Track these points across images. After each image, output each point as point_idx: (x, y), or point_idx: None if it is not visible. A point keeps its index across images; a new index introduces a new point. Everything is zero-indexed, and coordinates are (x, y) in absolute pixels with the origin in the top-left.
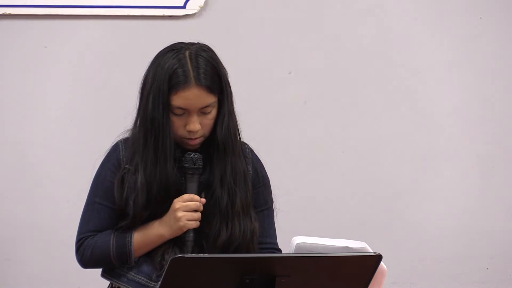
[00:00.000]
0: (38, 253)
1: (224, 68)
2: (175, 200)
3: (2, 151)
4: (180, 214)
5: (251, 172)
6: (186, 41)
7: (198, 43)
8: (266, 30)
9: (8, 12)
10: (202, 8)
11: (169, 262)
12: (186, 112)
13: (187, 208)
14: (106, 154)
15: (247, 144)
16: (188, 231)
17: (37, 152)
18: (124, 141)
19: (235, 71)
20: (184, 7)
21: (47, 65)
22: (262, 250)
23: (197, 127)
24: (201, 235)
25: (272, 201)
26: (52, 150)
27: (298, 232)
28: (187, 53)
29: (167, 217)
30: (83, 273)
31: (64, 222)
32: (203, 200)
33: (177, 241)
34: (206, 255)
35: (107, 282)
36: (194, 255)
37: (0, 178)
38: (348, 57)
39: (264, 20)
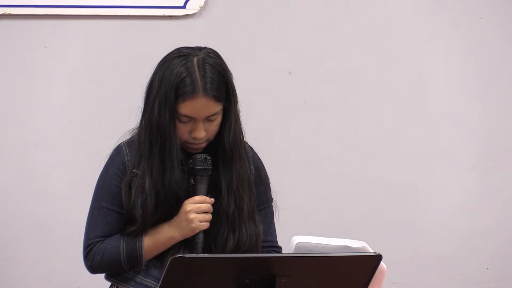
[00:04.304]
0: (38, 253)
1: (230, 74)
2: (186, 202)
3: (2, 151)
4: (192, 216)
5: (253, 172)
6: (193, 46)
7: (205, 48)
8: (266, 30)
9: (8, 12)
10: (202, 8)
11: (169, 262)
12: (192, 119)
13: (199, 210)
14: (108, 157)
15: (247, 143)
16: (198, 232)
17: (37, 152)
18: (128, 144)
19: (235, 71)
20: (184, 7)
21: (47, 65)
22: (262, 249)
23: (202, 134)
24: (209, 238)
25: (271, 199)
26: (52, 150)
27: (298, 231)
28: (195, 60)
29: (177, 219)
30: (83, 273)
31: (64, 222)
32: (212, 200)
33: (187, 243)
34: (206, 255)
35: (108, 283)
36: (194, 255)
37: (0, 178)
38: (348, 57)
39: (264, 20)
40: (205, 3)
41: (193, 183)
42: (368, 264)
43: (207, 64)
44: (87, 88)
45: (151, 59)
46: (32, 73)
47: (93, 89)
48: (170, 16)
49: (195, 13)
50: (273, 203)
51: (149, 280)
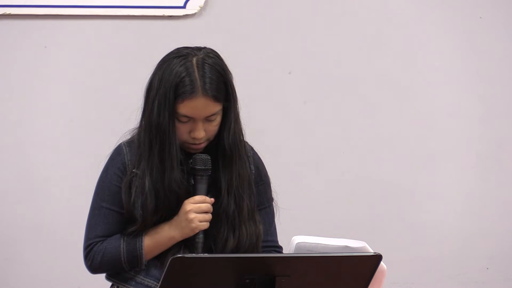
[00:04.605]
0: (38, 253)
1: (230, 74)
2: (186, 202)
3: (2, 151)
4: (192, 215)
5: (253, 171)
6: (192, 46)
7: (204, 48)
8: (266, 30)
9: (8, 12)
10: (202, 8)
11: (169, 262)
12: (191, 119)
13: (199, 210)
14: (109, 157)
15: (247, 143)
16: (198, 232)
17: (37, 152)
18: (128, 144)
19: (235, 71)
20: (184, 7)
21: (47, 65)
22: (263, 249)
23: (202, 134)
24: (209, 238)
25: (272, 199)
26: (52, 150)
27: (298, 231)
28: (194, 60)
29: (177, 219)
30: (83, 273)
31: (64, 222)
32: (212, 200)
33: (187, 243)
34: (206, 255)
35: (108, 283)
36: (194, 255)
37: (0, 178)
38: (348, 57)
39: (264, 20)
40: (205, 3)
41: (193, 183)
42: (368, 264)
43: (206, 64)
44: (87, 88)
45: (151, 59)
46: (32, 73)
47: (93, 89)
48: (170, 16)
49: (195, 13)
50: (273, 203)
51: (149, 280)
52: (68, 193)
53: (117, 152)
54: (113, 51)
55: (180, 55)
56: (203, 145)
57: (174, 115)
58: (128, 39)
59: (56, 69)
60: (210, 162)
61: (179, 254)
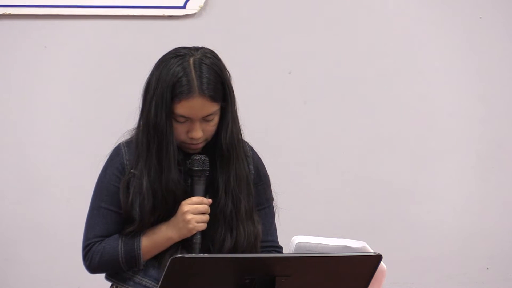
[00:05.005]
0: (38, 253)
1: (228, 74)
2: (183, 203)
3: (2, 151)
4: (189, 216)
5: (252, 172)
6: (190, 46)
7: (202, 48)
8: (266, 30)
9: (8, 12)
10: (202, 8)
11: (169, 262)
12: (188, 119)
13: (196, 211)
14: (108, 157)
15: (247, 143)
16: (195, 233)
17: (37, 152)
18: (127, 144)
19: (235, 71)
20: (184, 7)
21: (47, 65)
22: (263, 249)
23: (199, 134)
24: (206, 238)
25: (272, 199)
26: (52, 150)
27: (298, 231)
28: (191, 60)
29: (175, 220)
30: (83, 273)
31: (64, 222)
32: (210, 200)
33: (185, 244)
34: (206, 255)
35: (108, 283)
36: (194, 255)
37: (0, 178)
38: (348, 57)
39: (264, 20)
40: (205, 3)
41: (190, 183)
42: (368, 264)
43: (203, 64)
44: (87, 88)
45: (151, 59)
46: (32, 73)
47: (93, 89)
48: (170, 16)
49: (195, 13)
50: (273, 203)
51: (147, 280)
52: (68, 193)
53: (116, 152)
54: (113, 51)
55: (178, 55)
56: (201, 145)
57: (171, 115)
58: (128, 39)
59: (56, 69)
60: (207, 163)
61: (178, 254)
